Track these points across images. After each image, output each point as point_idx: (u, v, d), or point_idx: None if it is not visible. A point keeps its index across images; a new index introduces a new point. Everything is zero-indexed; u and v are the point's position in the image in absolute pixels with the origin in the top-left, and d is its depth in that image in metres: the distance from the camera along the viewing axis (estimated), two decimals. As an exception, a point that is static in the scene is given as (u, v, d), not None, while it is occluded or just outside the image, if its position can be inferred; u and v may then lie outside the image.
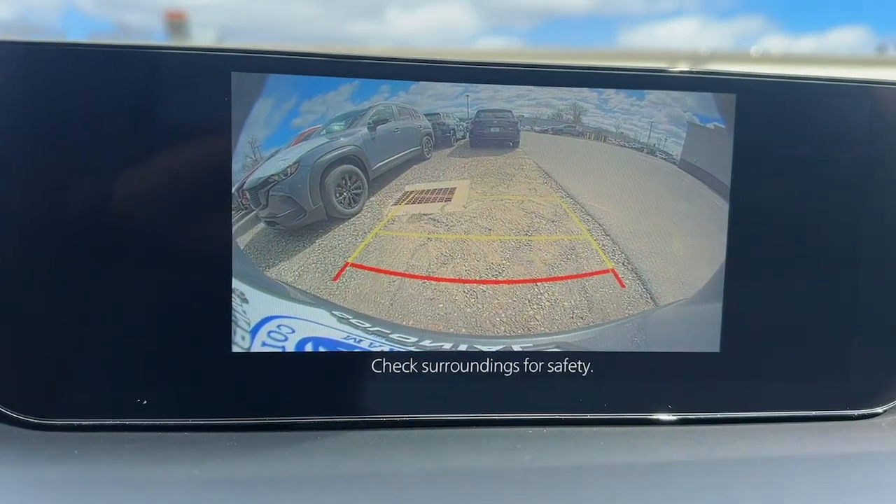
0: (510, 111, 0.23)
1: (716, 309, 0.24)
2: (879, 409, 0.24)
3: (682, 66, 0.23)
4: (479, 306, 0.23)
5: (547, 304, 0.23)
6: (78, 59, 0.21)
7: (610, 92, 0.23)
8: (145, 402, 0.22)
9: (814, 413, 0.24)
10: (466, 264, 0.23)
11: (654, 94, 0.23)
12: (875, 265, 0.24)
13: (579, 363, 0.23)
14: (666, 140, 0.23)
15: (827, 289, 0.24)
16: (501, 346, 0.23)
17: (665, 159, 0.23)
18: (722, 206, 0.24)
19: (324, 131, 0.22)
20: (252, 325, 0.22)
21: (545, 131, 0.23)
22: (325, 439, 0.22)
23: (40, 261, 0.21)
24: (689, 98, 0.23)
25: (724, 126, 0.23)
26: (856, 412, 0.24)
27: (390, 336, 0.23)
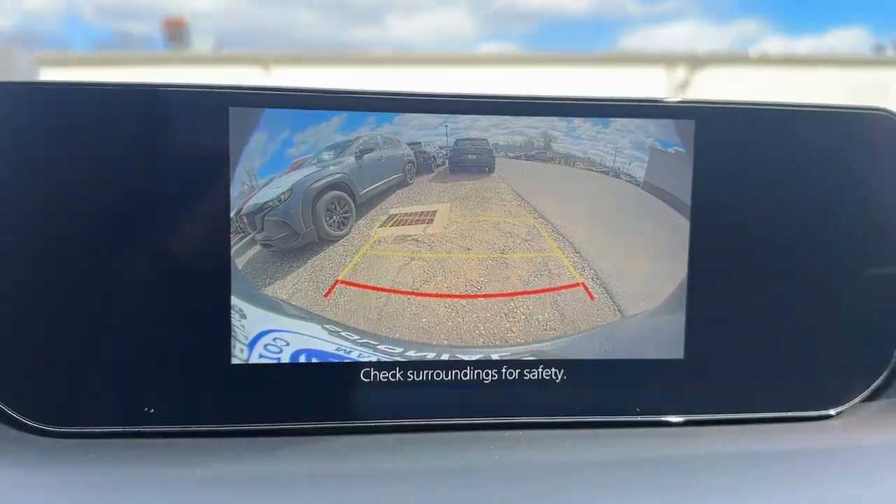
0: (486, 139, 0.25)
1: (679, 319, 0.25)
2: (832, 412, 0.26)
3: (649, 94, 0.25)
4: (460, 319, 0.25)
5: (522, 316, 0.25)
6: (93, 98, 0.23)
7: (578, 120, 0.25)
8: (152, 410, 0.23)
9: (771, 415, 0.26)
10: (447, 281, 0.25)
11: (618, 122, 0.25)
12: (825, 276, 0.26)
13: (553, 370, 0.25)
14: (630, 164, 0.25)
15: (783, 299, 0.26)
16: (480, 356, 0.25)
17: (629, 181, 0.25)
18: (683, 224, 0.25)
19: (315, 160, 0.24)
20: (250, 338, 0.24)
21: (518, 157, 0.25)
22: (317, 443, 0.23)
23: (60, 282, 0.23)
24: (651, 125, 0.25)
25: (683, 150, 0.25)
26: (811, 414, 0.26)
27: (378, 347, 0.24)
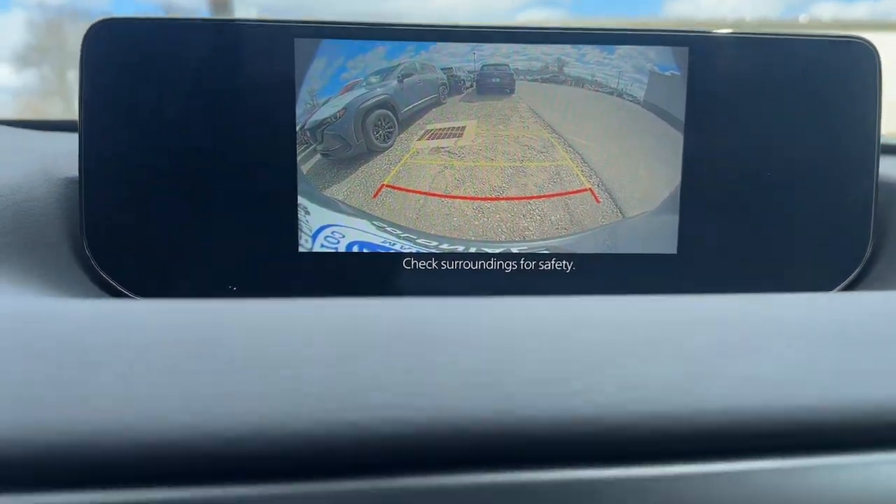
0: (507, 65, 0.29)
1: (673, 220, 0.29)
2: None
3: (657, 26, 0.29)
4: (485, 219, 0.29)
5: (538, 216, 0.29)
6: (190, 32, 0.27)
7: (587, 48, 0.29)
8: (235, 288, 0.29)
9: None
10: (475, 186, 0.29)
11: (622, 49, 0.29)
12: (802, 184, 0.29)
13: (564, 262, 0.29)
14: (632, 85, 0.29)
15: (764, 203, 0.30)
16: (502, 249, 0.29)
17: (631, 101, 0.29)
18: (677, 137, 0.29)
19: (364, 83, 0.29)
20: (313, 231, 0.29)
21: (535, 80, 0.29)
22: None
23: (165, 179, 0.28)
24: (651, 51, 0.29)
25: (679, 73, 0.29)
26: None
27: (417, 241, 0.29)
